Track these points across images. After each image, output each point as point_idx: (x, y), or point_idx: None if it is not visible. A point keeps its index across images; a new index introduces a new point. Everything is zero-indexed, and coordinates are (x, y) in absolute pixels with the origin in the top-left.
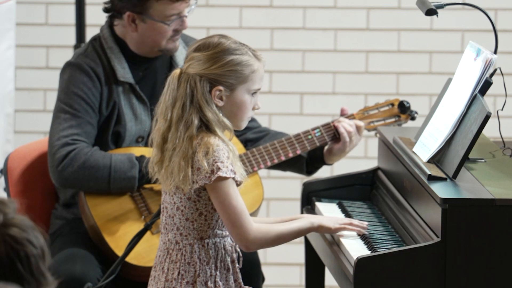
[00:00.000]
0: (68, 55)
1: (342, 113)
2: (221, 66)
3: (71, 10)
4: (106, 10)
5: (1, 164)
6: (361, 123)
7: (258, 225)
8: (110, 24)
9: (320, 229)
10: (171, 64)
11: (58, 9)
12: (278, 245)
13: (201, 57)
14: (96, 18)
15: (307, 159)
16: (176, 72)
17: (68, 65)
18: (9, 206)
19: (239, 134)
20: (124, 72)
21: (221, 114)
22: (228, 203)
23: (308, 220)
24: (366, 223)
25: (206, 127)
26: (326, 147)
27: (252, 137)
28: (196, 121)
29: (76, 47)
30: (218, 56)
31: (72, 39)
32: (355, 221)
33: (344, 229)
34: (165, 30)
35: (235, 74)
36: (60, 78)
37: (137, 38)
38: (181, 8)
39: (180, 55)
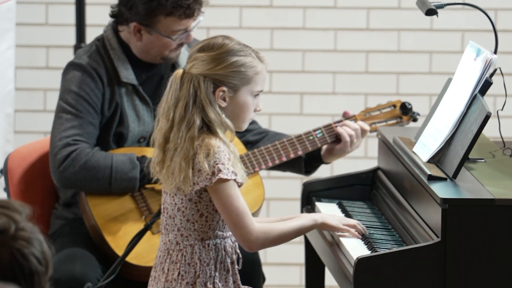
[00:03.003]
0: (68, 55)
1: (344, 116)
2: (226, 67)
3: (71, 10)
4: (112, 15)
5: (1, 164)
6: (367, 127)
7: (260, 225)
8: (114, 27)
9: (324, 227)
10: (173, 65)
11: (58, 9)
12: (280, 244)
13: (205, 58)
14: (96, 18)
15: (305, 158)
16: (179, 72)
17: (71, 66)
18: (21, 213)
19: (239, 136)
20: (127, 73)
21: (223, 115)
22: (229, 205)
23: (310, 217)
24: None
25: (207, 128)
26: (325, 147)
27: (252, 139)
28: (198, 122)
29: (76, 47)
30: (223, 57)
31: (72, 39)
32: (359, 226)
33: (347, 231)
34: (170, 44)
35: (239, 75)
36: (62, 78)
37: (141, 47)
38: (188, 24)
39: (183, 56)
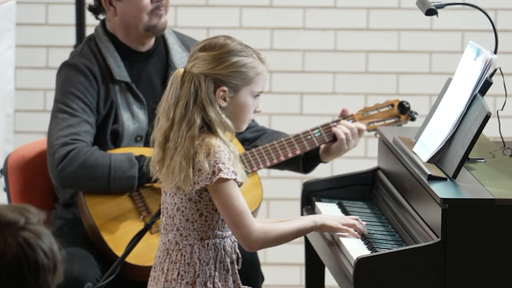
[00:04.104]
0: (68, 55)
1: (342, 114)
2: (227, 67)
3: (71, 10)
4: (90, 8)
5: (1, 164)
6: (363, 126)
7: (260, 225)
8: (103, 24)
9: (323, 228)
10: (167, 63)
11: (58, 9)
12: (280, 245)
13: (207, 57)
14: None
15: (303, 157)
16: (180, 71)
17: (64, 65)
18: (34, 214)
19: (236, 133)
20: (120, 71)
21: (224, 115)
22: (230, 204)
23: (310, 218)
24: (365, 223)
25: (208, 127)
26: (323, 146)
27: (249, 137)
28: (198, 121)
29: (76, 47)
30: (224, 56)
31: (72, 39)
32: (358, 224)
33: (346, 231)
34: (143, 3)
35: (240, 75)
36: (56, 78)
37: (120, 23)
38: None
39: (177, 54)
